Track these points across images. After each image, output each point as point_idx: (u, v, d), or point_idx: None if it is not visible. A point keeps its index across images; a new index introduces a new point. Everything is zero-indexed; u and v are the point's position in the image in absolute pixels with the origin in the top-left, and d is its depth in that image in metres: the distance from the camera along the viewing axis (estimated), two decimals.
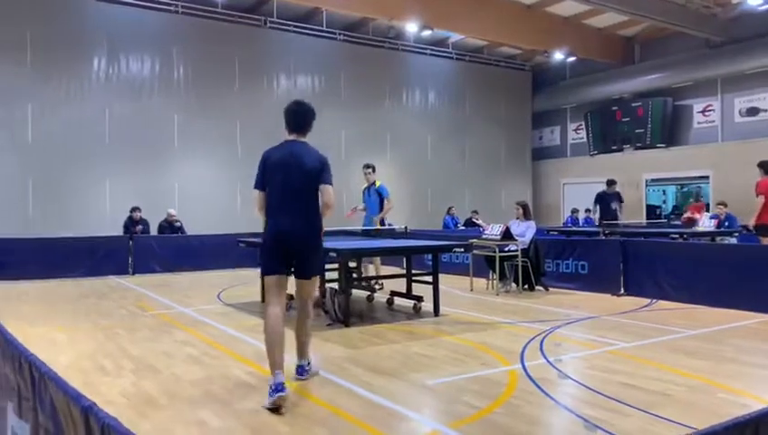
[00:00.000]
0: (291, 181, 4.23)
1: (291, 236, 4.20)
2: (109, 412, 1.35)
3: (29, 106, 12.76)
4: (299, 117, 4.50)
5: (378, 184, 9.24)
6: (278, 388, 3.78)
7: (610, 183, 13.37)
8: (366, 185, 9.37)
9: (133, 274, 11.64)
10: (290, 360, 4.37)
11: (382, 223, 9.28)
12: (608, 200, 13.19)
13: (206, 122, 14.61)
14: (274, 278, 4.23)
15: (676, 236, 10.47)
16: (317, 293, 5.30)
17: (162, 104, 14.22)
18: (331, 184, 4.31)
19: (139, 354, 5.28)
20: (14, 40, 12.59)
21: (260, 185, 4.34)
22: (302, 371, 4.48)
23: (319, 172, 4.30)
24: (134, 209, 12.56)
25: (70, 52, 13.14)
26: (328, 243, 6.79)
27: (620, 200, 13.29)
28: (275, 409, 3.75)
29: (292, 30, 15.93)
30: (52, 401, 1.53)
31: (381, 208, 9.19)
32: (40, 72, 12.84)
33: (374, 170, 9.36)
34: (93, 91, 13.47)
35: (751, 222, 9.43)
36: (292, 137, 4.49)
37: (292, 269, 4.32)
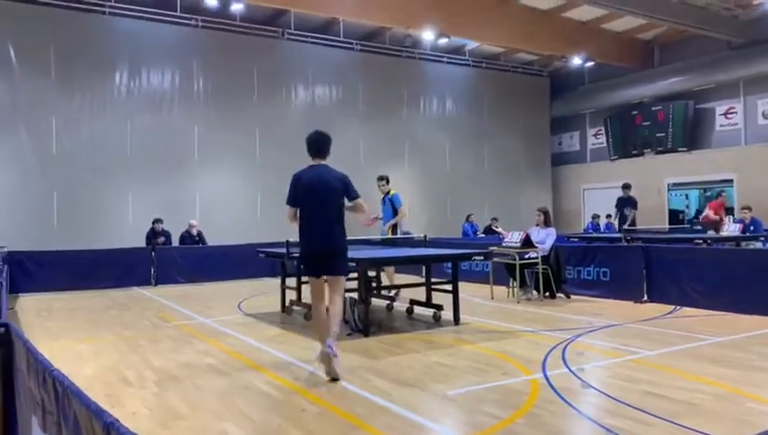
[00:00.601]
0: (320, 200, 5.14)
1: (321, 250, 5.16)
2: (131, 426, 1.37)
3: (53, 119, 13.03)
4: (320, 145, 5.37)
5: (392, 193, 9.28)
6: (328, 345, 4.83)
7: (624, 187, 13.30)
8: (382, 196, 9.44)
9: (156, 285, 11.78)
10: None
11: (395, 231, 9.28)
12: (624, 205, 13.14)
13: (226, 134, 14.77)
14: (314, 279, 5.23)
15: (700, 241, 10.30)
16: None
17: (182, 116, 14.42)
18: (359, 196, 5.27)
19: (161, 365, 5.34)
20: (39, 54, 12.87)
21: (291, 201, 5.25)
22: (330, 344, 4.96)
23: (344, 190, 5.22)
24: (156, 221, 12.73)
25: (93, 66, 13.40)
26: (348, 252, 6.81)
27: (633, 206, 13.18)
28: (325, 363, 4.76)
29: (310, 41, 16.06)
30: (76, 415, 1.56)
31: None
32: (64, 85, 13.11)
33: (387, 182, 9.42)
34: (115, 105, 13.71)
35: None
36: (315, 161, 5.33)
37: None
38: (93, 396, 1.74)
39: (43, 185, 12.86)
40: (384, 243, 9.09)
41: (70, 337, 6.77)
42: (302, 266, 5.72)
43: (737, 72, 15.96)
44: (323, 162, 5.31)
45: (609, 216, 16.19)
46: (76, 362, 5.49)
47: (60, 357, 5.43)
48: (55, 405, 1.78)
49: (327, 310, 5.16)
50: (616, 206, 13.45)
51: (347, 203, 5.29)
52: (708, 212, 12.49)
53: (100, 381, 4.82)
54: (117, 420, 1.32)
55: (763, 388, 4.33)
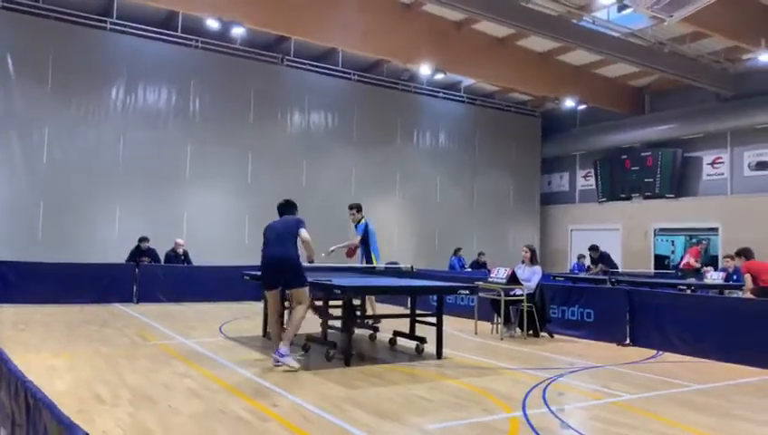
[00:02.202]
0: (278, 231, 6.47)
1: (275, 262, 6.39)
2: None
3: (46, 130, 12.99)
4: (284, 209, 6.78)
5: (361, 222, 9.35)
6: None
7: (594, 249, 14.76)
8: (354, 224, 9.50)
9: (137, 302, 11.62)
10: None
11: (369, 259, 9.25)
12: (604, 261, 14.44)
13: (219, 154, 14.79)
14: (268, 292, 6.69)
15: (684, 287, 10.37)
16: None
17: (176, 135, 14.43)
18: (305, 228, 6.41)
19: (137, 384, 5.24)
20: (37, 64, 12.90)
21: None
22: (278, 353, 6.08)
23: (296, 228, 6.40)
24: (142, 240, 12.59)
25: (89, 79, 13.43)
26: (334, 280, 6.81)
27: (607, 261, 14.44)
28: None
29: (309, 68, 16.24)
30: (46, 429, 1.52)
31: (364, 244, 9.25)
32: (59, 96, 13.11)
33: (358, 210, 9.46)
34: (110, 119, 13.71)
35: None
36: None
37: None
38: (65, 412, 1.70)
39: (31, 194, 12.75)
40: (366, 271, 9.07)
41: (46, 351, 6.64)
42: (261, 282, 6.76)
43: (725, 124, 16.31)
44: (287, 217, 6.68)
45: (581, 256, 16.59)
46: (50, 376, 5.38)
47: (33, 370, 5.31)
48: (26, 418, 1.74)
49: (282, 320, 6.42)
50: (598, 262, 14.43)
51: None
52: (690, 259, 12.68)
53: (73, 396, 4.72)
54: None
55: None
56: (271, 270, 6.38)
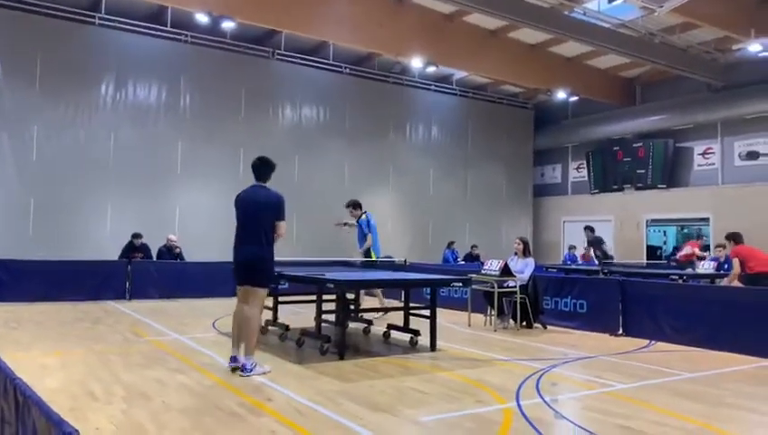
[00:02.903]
0: (250, 217, 5.82)
1: (244, 262, 5.79)
2: None
3: (35, 128, 12.88)
4: (259, 170, 5.98)
5: (362, 217, 9.41)
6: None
7: (590, 229, 14.40)
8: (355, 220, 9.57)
9: (130, 299, 11.58)
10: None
11: (368, 254, 9.35)
12: (597, 244, 14.12)
13: (210, 150, 14.72)
14: (238, 287, 5.83)
15: (676, 277, 10.43)
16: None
17: (167, 131, 14.35)
18: (283, 220, 5.82)
19: (130, 381, 5.22)
20: (25, 62, 12.78)
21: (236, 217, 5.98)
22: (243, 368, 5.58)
23: (276, 211, 5.79)
24: (135, 236, 12.52)
25: (79, 76, 13.32)
26: (327, 274, 6.80)
27: (599, 244, 14.03)
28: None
29: (300, 62, 16.17)
30: (35, 426, 1.51)
31: (365, 238, 9.34)
32: (48, 94, 12.99)
33: (355, 207, 9.49)
34: (100, 116, 13.60)
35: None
36: (257, 183, 5.97)
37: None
38: (57, 409, 1.69)
39: (20, 192, 12.66)
40: (364, 265, 9.10)
41: (37, 349, 6.61)
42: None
43: (716, 114, 16.37)
44: (263, 184, 5.94)
45: (571, 247, 16.63)
46: (41, 374, 5.35)
47: (24, 368, 5.28)
48: (15, 415, 1.73)
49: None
50: (591, 245, 14.19)
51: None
52: (694, 249, 12.68)
53: (66, 394, 4.70)
54: (77, 431, 1.28)
55: (731, 424, 4.36)
56: (241, 269, 5.80)
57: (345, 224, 9.79)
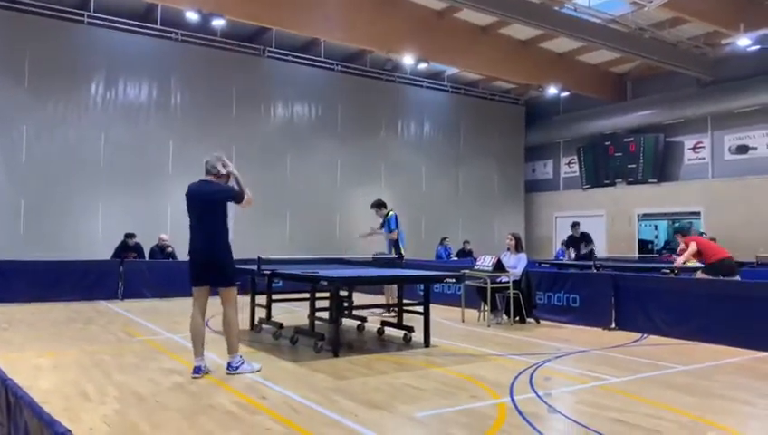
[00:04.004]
0: (197, 214, 5.73)
1: (201, 262, 5.60)
2: None
3: (24, 127, 12.78)
4: (207, 164, 6.00)
5: (389, 215, 9.56)
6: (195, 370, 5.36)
7: (574, 225, 13.97)
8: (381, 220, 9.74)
9: (122, 299, 11.52)
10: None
11: (397, 251, 9.49)
12: (577, 243, 13.73)
13: (202, 148, 14.53)
14: (194, 289, 5.60)
15: (668, 271, 10.49)
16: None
17: (158, 130, 14.27)
18: (241, 192, 5.77)
19: (123, 381, 5.20)
20: (13, 62, 12.68)
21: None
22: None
23: (224, 199, 5.75)
24: (128, 236, 12.46)
25: (68, 75, 13.22)
26: (321, 272, 6.79)
27: (588, 242, 13.68)
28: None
29: (291, 60, 16.12)
30: (27, 426, 1.50)
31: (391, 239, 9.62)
32: (37, 94, 12.89)
33: (380, 206, 9.63)
34: (90, 115, 13.51)
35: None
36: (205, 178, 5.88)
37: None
38: (50, 410, 1.68)
39: (11, 192, 12.57)
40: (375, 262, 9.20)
41: (30, 350, 6.56)
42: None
43: (705, 108, 16.47)
44: (210, 178, 5.87)
45: (564, 242, 16.61)
46: (34, 375, 5.32)
47: (17, 369, 5.25)
48: (6, 416, 1.71)
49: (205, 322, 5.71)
50: (567, 245, 13.97)
51: (237, 207, 5.83)
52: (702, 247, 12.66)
53: (59, 394, 4.67)
54: (69, 431, 1.28)
55: (725, 416, 4.39)
56: (196, 266, 5.59)
57: (370, 233, 9.93)
